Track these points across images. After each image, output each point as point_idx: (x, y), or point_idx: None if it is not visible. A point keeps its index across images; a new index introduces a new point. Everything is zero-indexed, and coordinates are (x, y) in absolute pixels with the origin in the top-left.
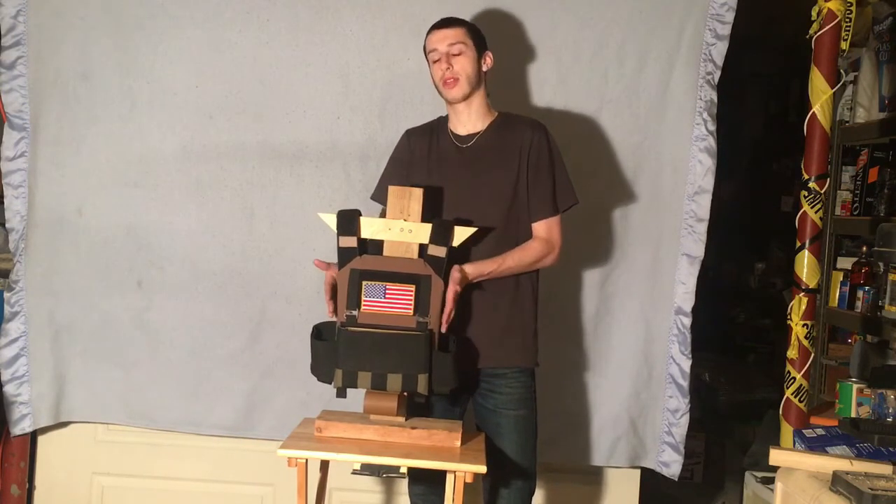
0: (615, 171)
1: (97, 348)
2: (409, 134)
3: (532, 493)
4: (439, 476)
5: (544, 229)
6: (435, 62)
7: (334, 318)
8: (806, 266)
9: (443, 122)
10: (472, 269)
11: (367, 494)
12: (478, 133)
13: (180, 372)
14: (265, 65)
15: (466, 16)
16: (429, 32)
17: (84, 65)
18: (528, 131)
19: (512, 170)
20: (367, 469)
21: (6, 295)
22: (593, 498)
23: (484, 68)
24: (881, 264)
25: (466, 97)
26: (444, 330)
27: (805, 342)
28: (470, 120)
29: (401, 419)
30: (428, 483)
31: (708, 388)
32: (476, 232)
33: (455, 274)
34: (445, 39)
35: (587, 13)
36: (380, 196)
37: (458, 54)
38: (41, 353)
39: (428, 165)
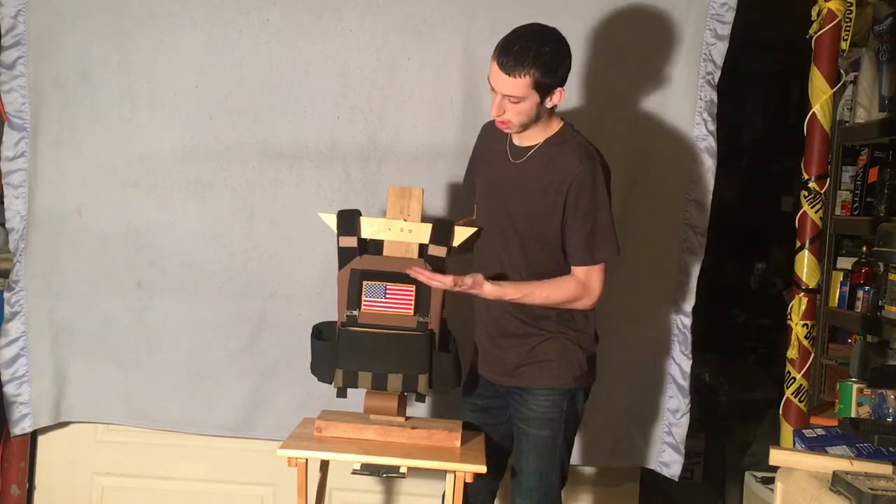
0: (615, 172)
1: (97, 348)
2: (485, 127)
3: None
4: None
5: (583, 273)
6: (491, 92)
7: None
8: (806, 266)
9: None
10: (492, 290)
11: (367, 494)
12: (532, 147)
13: (180, 372)
14: (265, 65)
15: (466, 16)
16: (497, 58)
17: (84, 65)
18: (572, 164)
19: (548, 201)
20: (367, 469)
21: (6, 295)
22: (593, 498)
23: (548, 105)
24: (881, 264)
25: (520, 132)
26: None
27: (805, 342)
28: (528, 135)
29: (401, 419)
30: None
31: (708, 388)
32: (476, 232)
33: (467, 278)
34: (505, 87)
35: (587, 13)
36: (466, 188)
37: (516, 103)
38: (41, 353)
39: (487, 171)
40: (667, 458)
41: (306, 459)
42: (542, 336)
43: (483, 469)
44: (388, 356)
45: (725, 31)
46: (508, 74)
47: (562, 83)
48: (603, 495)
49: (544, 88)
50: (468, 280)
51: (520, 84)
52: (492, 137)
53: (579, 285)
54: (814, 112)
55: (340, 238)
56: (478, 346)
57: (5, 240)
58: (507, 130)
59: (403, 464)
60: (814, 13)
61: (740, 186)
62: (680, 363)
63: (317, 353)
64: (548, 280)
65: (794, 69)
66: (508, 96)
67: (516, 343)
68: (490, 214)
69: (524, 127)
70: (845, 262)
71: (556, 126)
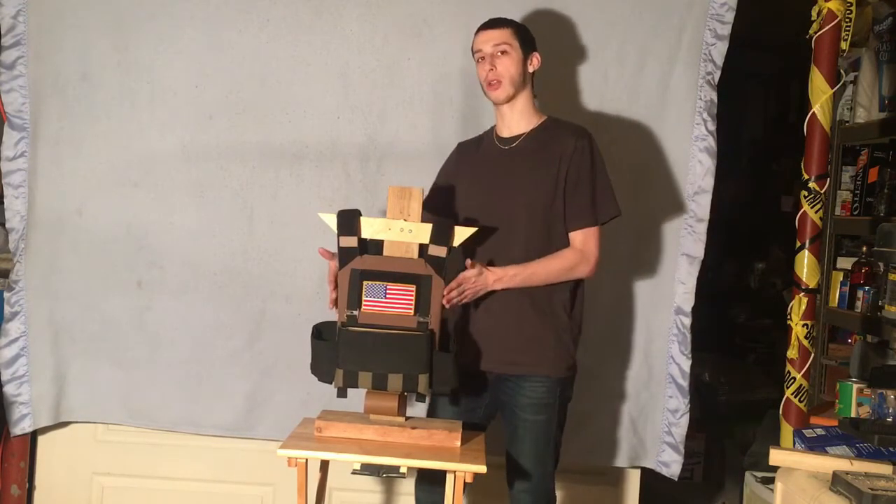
0: (615, 172)
1: (97, 348)
2: (459, 146)
3: (550, 502)
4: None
5: (580, 239)
6: (480, 62)
7: (334, 310)
8: (806, 266)
9: (491, 129)
10: (498, 272)
11: (367, 494)
12: (521, 135)
13: (180, 372)
14: (265, 65)
15: (466, 17)
16: (476, 33)
17: (84, 65)
18: (571, 138)
19: (550, 175)
20: (367, 469)
21: (6, 295)
22: (593, 498)
23: (530, 69)
24: (881, 264)
25: (510, 99)
26: (446, 305)
27: (805, 342)
28: (514, 121)
29: (401, 419)
30: (434, 483)
31: (708, 388)
32: (476, 232)
33: (468, 272)
34: (491, 40)
35: (587, 13)
36: (428, 206)
37: (504, 54)
38: (41, 353)
39: (473, 170)
40: (666, 457)
41: (306, 459)
42: (531, 325)
43: (483, 469)
44: (389, 356)
45: (725, 31)
46: (493, 28)
47: (536, 49)
48: (603, 495)
49: (524, 43)
50: (471, 273)
51: (505, 33)
52: (468, 151)
53: (576, 252)
54: (814, 112)
55: (341, 238)
56: (474, 338)
57: (5, 240)
58: (498, 93)
59: (403, 464)
60: (814, 13)
61: (740, 186)
62: (680, 363)
63: (317, 353)
64: (545, 256)
65: (794, 69)
66: (497, 45)
67: (509, 331)
68: (488, 201)
69: (514, 87)
70: (845, 262)
71: (541, 117)
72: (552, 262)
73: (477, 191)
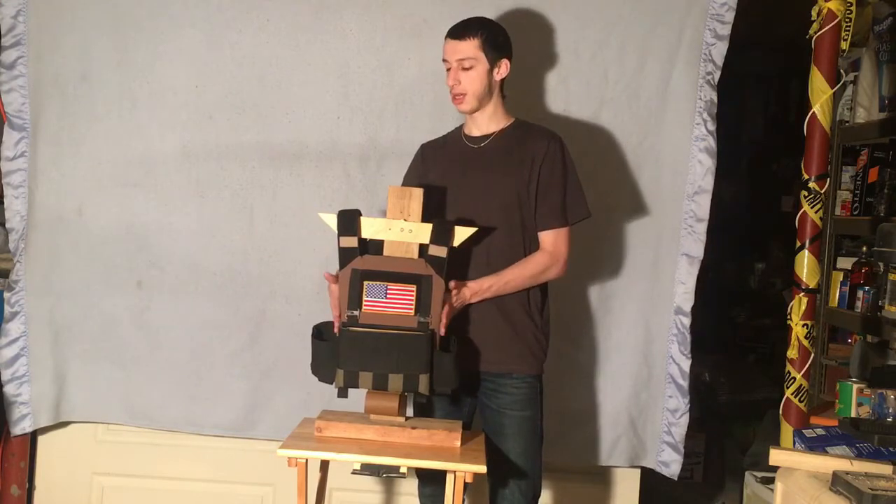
0: (615, 172)
1: (97, 348)
2: (424, 147)
3: (537, 497)
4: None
5: (550, 240)
6: (447, 70)
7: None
8: (806, 266)
9: (458, 129)
10: (474, 286)
11: (367, 494)
12: (491, 135)
13: (180, 372)
14: (265, 65)
15: (466, 17)
16: (445, 38)
17: (84, 65)
18: (543, 141)
19: (522, 176)
20: (367, 469)
21: (6, 295)
22: (593, 498)
23: (497, 77)
24: (881, 264)
25: (475, 111)
26: (442, 332)
27: (805, 342)
28: (484, 122)
29: (401, 419)
30: (437, 483)
31: (708, 388)
32: (476, 232)
33: (456, 284)
34: (455, 54)
35: (587, 13)
36: None
37: (468, 69)
38: (41, 353)
39: (443, 169)
40: (666, 457)
41: (306, 459)
42: (510, 323)
43: (483, 469)
44: (389, 356)
45: (725, 31)
46: (458, 39)
47: (507, 54)
48: (603, 495)
49: (491, 52)
50: (451, 285)
51: (470, 46)
52: (434, 151)
53: (547, 255)
54: (814, 112)
55: (341, 238)
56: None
57: (5, 240)
58: (462, 106)
59: (403, 464)
60: (814, 13)
61: (740, 186)
62: (680, 363)
63: (317, 354)
64: (516, 263)
65: (794, 69)
66: (461, 61)
67: (489, 330)
68: (458, 198)
69: (478, 100)
70: (845, 262)
71: (510, 118)
72: (525, 268)
73: (449, 189)
